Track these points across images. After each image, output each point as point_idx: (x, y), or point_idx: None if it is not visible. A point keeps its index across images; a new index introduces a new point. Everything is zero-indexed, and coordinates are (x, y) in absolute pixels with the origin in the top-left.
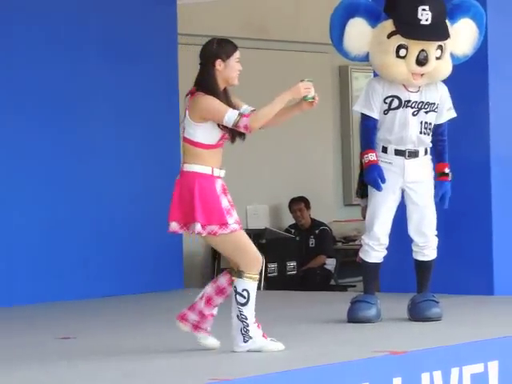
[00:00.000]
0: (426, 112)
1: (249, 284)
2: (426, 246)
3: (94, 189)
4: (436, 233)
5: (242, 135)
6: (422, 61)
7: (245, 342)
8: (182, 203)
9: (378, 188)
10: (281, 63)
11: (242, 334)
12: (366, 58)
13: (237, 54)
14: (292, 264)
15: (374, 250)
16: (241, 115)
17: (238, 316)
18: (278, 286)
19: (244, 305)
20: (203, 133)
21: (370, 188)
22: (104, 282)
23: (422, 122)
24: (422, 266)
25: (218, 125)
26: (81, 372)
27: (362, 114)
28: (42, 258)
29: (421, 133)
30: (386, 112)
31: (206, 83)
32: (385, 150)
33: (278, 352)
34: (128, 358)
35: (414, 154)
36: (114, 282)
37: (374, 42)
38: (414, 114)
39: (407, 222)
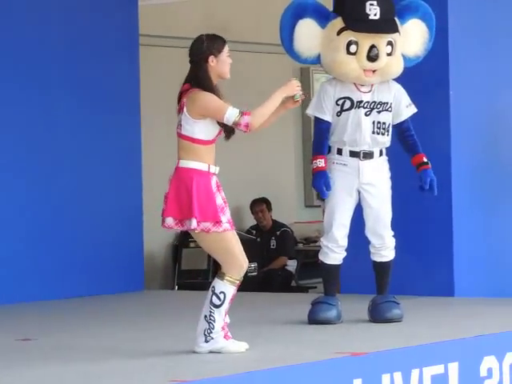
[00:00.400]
0: (379, 112)
1: (228, 287)
2: (383, 246)
3: (54, 191)
4: (392, 233)
5: (233, 131)
6: (373, 57)
7: (206, 341)
8: (178, 199)
9: (323, 195)
10: (243, 64)
11: (205, 335)
12: (317, 60)
13: (226, 48)
14: (253, 265)
15: (333, 251)
16: (242, 113)
17: (206, 316)
18: (238, 288)
19: (217, 307)
20: (202, 129)
21: (332, 191)
22: (64, 283)
23: (374, 122)
24: (380, 267)
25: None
26: (41, 373)
27: (315, 117)
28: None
29: (374, 133)
30: (338, 114)
31: (200, 80)
32: (340, 151)
33: (239, 353)
34: (88, 359)
35: (369, 156)
36: (74, 284)
37: (325, 42)
38: (366, 115)
39: (364, 223)
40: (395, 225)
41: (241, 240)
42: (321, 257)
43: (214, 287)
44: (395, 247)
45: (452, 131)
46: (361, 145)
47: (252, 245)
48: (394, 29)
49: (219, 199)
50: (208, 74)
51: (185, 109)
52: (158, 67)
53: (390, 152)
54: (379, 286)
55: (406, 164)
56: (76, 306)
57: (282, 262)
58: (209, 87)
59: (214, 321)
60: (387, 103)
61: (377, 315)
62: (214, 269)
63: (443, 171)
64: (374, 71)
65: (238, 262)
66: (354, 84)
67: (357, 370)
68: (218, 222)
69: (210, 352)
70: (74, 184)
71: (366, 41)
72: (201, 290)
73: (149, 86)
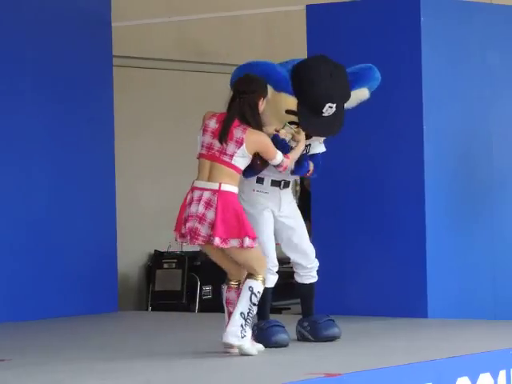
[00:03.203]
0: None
1: (261, 287)
2: (313, 267)
3: (25, 210)
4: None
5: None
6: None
7: (242, 337)
8: (225, 219)
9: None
10: (216, 85)
11: (242, 329)
12: None
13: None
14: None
15: (272, 273)
16: (284, 156)
17: (242, 313)
18: (212, 309)
19: (256, 304)
20: (245, 161)
21: (250, 215)
22: (38, 304)
23: None
24: (311, 289)
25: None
26: None
27: None
28: None
29: None
30: None
31: (255, 120)
32: (260, 180)
33: (213, 374)
34: (63, 379)
35: (287, 185)
36: (47, 305)
37: (272, 104)
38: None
39: (283, 247)
40: (368, 246)
41: (215, 262)
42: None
43: (251, 287)
44: (368, 269)
45: (425, 147)
46: (282, 175)
47: None
48: (338, 130)
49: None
50: (259, 114)
51: (244, 145)
52: (131, 88)
53: (361, 174)
54: (310, 308)
55: (379, 183)
56: (50, 326)
57: None
58: (259, 128)
59: (252, 318)
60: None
61: (318, 333)
62: (188, 290)
63: (417, 191)
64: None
65: (265, 263)
66: None
67: None
68: (254, 238)
69: (239, 347)
70: (47, 204)
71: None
72: (174, 311)
73: (122, 107)
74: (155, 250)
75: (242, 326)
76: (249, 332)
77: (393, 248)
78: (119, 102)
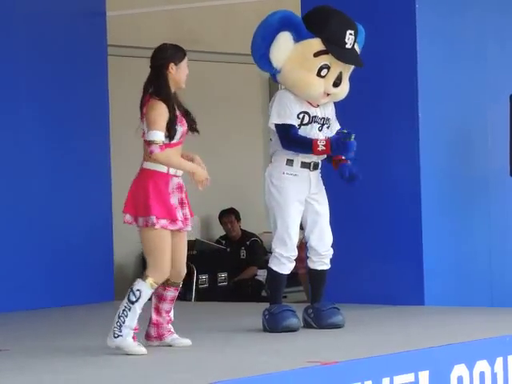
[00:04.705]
0: (328, 127)
1: (146, 288)
2: (327, 254)
3: (23, 200)
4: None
5: (195, 129)
6: (337, 82)
7: (115, 337)
8: (135, 197)
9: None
10: (211, 74)
11: (114, 329)
12: (275, 72)
13: (186, 59)
14: (223, 275)
15: (291, 261)
16: (159, 145)
17: (119, 312)
18: (209, 297)
19: (132, 303)
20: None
21: (277, 202)
22: (34, 294)
23: (325, 137)
24: (322, 276)
25: (173, 125)
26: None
27: (284, 126)
28: None
29: None
30: (298, 127)
31: (159, 88)
32: (290, 162)
33: (209, 363)
34: (61, 369)
35: (316, 166)
36: (44, 294)
37: (296, 58)
38: (319, 130)
39: (307, 233)
40: (365, 234)
41: (210, 250)
42: (275, 267)
43: (133, 285)
44: (365, 257)
45: (421, 138)
46: (312, 156)
47: (222, 255)
48: (362, 62)
49: (174, 199)
50: (167, 81)
51: (144, 117)
52: (126, 77)
53: (360, 158)
54: (318, 294)
55: (376, 173)
56: (46, 316)
57: (252, 271)
58: (167, 95)
59: (127, 316)
60: (330, 119)
61: (322, 321)
62: (184, 279)
63: (412, 179)
64: (328, 94)
65: (162, 272)
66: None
67: (327, 379)
68: (174, 220)
69: (117, 348)
70: (43, 194)
71: (337, 67)
72: None
73: (117, 96)
74: None
75: (116, 323)
76: (126, 331)
77: (389, 236)
78: (114, 91)
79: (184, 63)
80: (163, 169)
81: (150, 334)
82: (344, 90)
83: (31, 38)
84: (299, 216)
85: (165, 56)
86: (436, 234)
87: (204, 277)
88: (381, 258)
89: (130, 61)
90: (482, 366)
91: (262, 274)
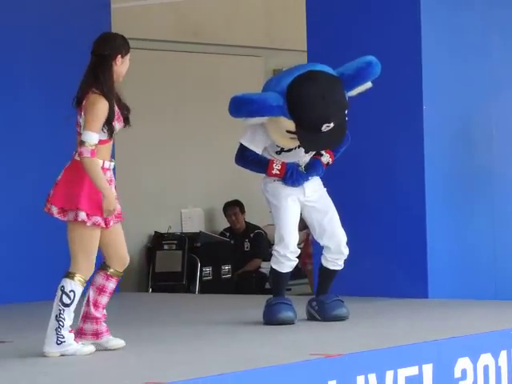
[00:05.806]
0: None
1: (77, 287)
2: (341, 257)
3: (23, 190)
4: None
5: (128, 122)
6: None
7: (58, 343)
8: (67, 189)
9: (303, 179)
10: (214, 66)
11: (57, 335)
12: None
13: (129, 55)
14: (227, 267)
15: (290, 260)
16: (90, 149)
17: (56, 316)
18: (213, 290)
19: (67, 306)
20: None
21: (273, 205)
22: (38, 285)
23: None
24: (332, 274)
25: (108, 122)
26: (17, 374)
27: (245, 147)
28: None
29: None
30: (278, 152)
31: (103, 79)
32: None
33: (213, 355)
34: (65, 360)
35: None
36: (48, 286)
37: (273, 123)
38: (306, 152)
39: (316, 234)
40: (370, 227)
41: (215, 242)
42: (275, 265)
43: (63, 286)
44: (369, 250)
45: (425, 131)
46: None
47: (226, 247)
48: (340, 142)
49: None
50: (112, 73)
51: (82, 112)
52: (130, 69)
53: (362, 157)
54: (324, 288)
55: (380, 166)
56: (50, 308)
57: (256, 264)
58: (110, 89)
59: (64, 319)
60: None
61: (325, 313)
62: (188, 271)
63: (417, 172)
64: None
65: (88, 269)
66: None
67: (331, 371)
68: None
69: (62, 355)
70: (45, 185)
71: None
72: (175, 293)
73: (121, 88)
74: (155, 232)
75: (56, 330)
76: (67, 334)
77: (393, 229)
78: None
79: (128, 57)
80: (99, 162)
81: (84, 330)
82: None
83: (36, 30)
84: (294, 215)
85: (113, 46)
86: (440, 226)
87: (208, 269)
88: (385, 251)
89: (135, 53)
90: (486, 359)
91: (265, 267)
